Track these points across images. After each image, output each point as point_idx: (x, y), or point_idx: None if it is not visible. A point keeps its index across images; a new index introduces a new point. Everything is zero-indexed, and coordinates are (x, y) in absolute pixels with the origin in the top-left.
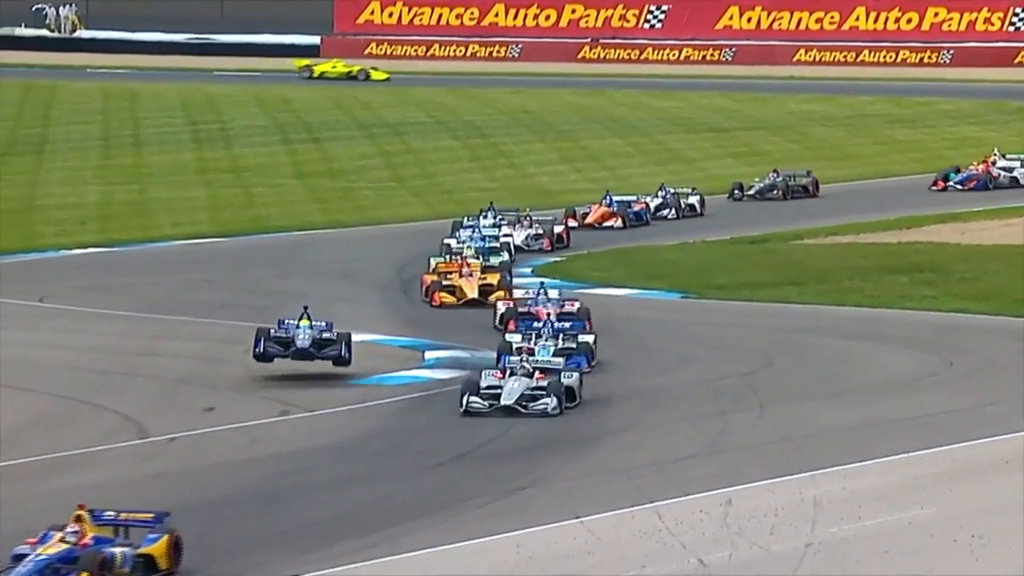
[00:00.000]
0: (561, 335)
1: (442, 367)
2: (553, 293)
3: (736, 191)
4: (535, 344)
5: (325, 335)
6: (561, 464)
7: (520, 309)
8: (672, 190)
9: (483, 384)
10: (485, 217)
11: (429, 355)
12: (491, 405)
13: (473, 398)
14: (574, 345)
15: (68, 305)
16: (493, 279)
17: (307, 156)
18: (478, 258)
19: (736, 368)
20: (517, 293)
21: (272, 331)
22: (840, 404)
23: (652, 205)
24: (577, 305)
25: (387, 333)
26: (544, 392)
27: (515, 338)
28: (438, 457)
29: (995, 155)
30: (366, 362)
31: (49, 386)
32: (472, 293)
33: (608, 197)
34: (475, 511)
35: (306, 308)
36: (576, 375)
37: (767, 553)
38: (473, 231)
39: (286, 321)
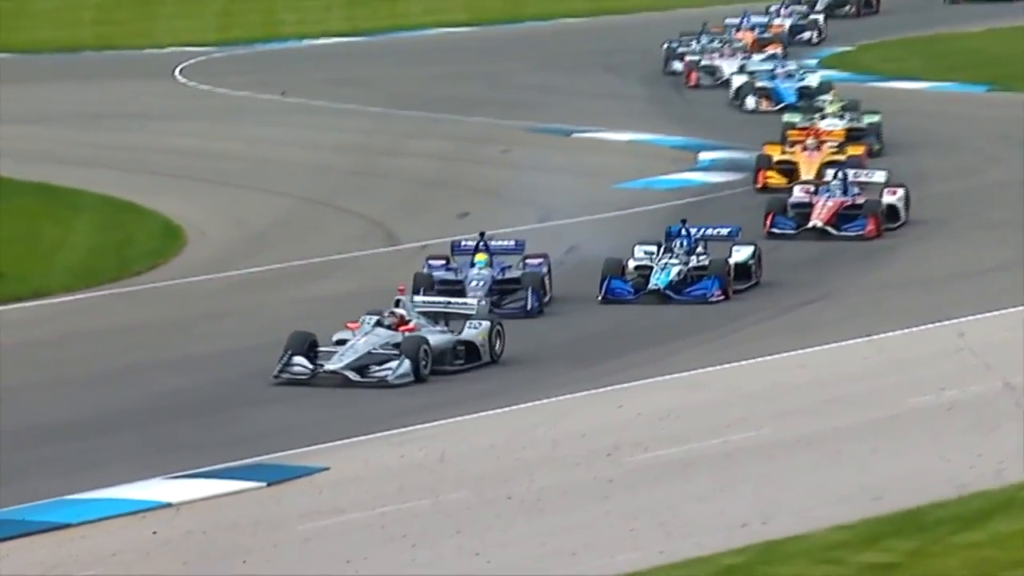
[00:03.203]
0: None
1: (717, 169)
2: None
3: None
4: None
5: (508, 273)
6: (850, 277)
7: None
8: None
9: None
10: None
11: (703, 156)
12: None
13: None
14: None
15: (312, 99)
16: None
17: None
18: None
19: None
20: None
21: (431, 270)
22: None
23: None
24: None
25: (655, 132)
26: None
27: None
28: None
29: None
30: (633, 163)
31: (293, 187)
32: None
33: None
34: (753, 327)
35: (483, 235)
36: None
37: None
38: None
39: (461, 244)
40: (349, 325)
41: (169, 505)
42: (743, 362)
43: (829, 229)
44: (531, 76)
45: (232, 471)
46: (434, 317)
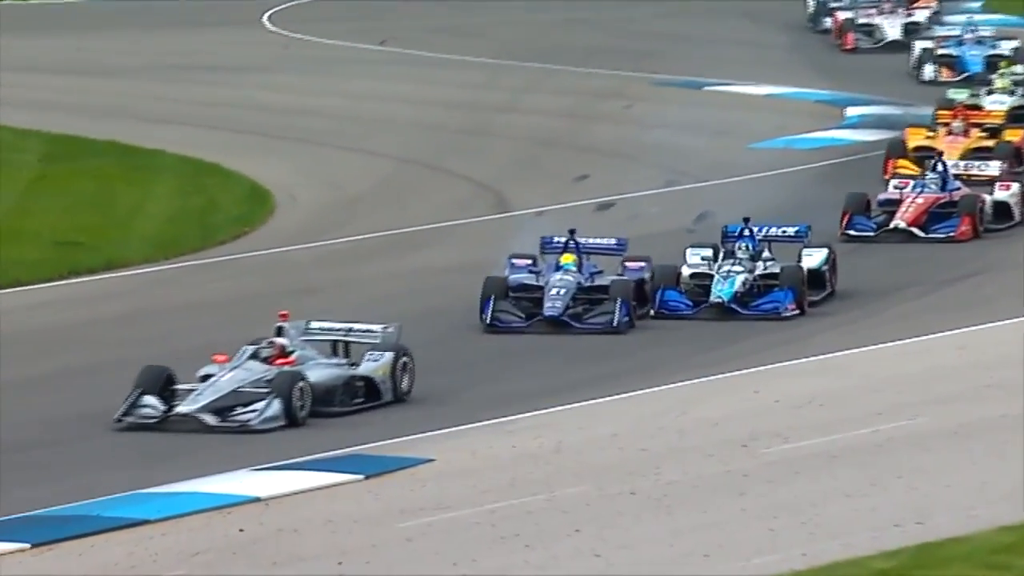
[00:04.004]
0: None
1: (867, 127)
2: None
3: None
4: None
5: (598, 279)
6: (1016, 249)
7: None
8: None
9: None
10: None
11: (850, 112)
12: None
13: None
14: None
15: (414, 49)
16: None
17: None
18: None
19: None
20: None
21: (512, 271)
22: None
23: None
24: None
25: (797, 85)
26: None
27: None
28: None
29: None
30: (771, 120)
31: (393, 147)
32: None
33: None
34: (906, 304)
35: (573, 232)
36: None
37: None
38: None
39: (552, 241)
40: (216, 358)
41: (257, 500)
42: (893, 343)
43: (914, 231)
44: (658, 22)
45: (327, 462)
46: (334, 346)
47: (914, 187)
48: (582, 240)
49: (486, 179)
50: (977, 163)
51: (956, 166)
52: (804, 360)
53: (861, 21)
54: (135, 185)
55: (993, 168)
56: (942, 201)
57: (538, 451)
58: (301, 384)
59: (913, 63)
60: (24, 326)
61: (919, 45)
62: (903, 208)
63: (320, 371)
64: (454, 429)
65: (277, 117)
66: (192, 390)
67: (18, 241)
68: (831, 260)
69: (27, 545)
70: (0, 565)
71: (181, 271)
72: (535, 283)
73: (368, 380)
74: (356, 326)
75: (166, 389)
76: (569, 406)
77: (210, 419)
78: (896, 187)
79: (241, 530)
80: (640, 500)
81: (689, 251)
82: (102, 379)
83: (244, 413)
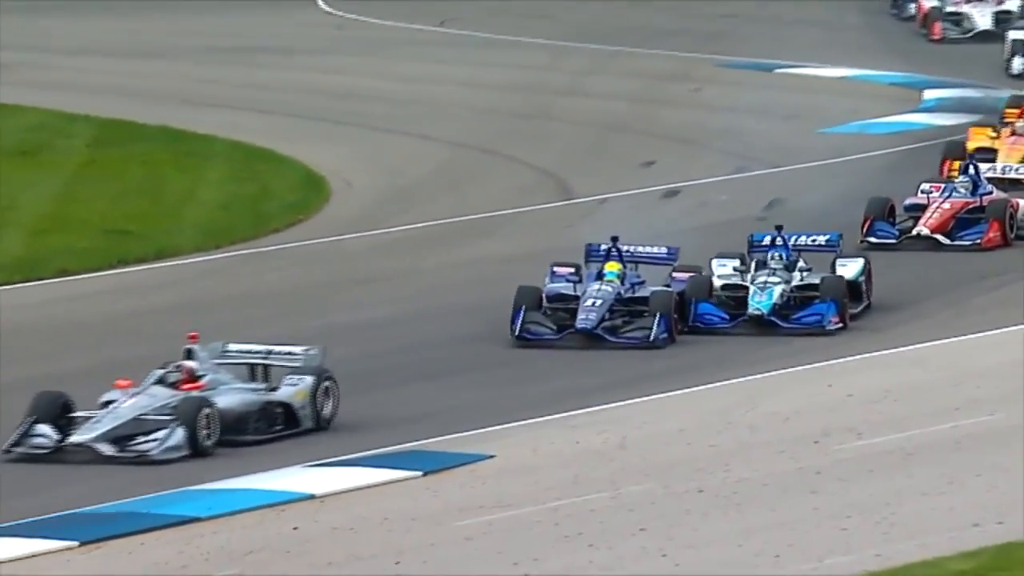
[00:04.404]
0: None
1: (944, 110)
2: None
3: None
4: None
5: (639, 291)
6: None
7: None
8: None
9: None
10: None
11: (927, 95)
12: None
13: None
14: None
15: (474, 31)
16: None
17: None
18: None
19: None
20: None
21: (552, 280)
22: None
23: None
24: None
25: (873, 67)
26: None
27: None
28: None
29: None
30: (844, 104)
31: (452, 132)
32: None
33: None
34: (977, 298)
35: (615, 240)
36: None
37: None
38: None
39: (597, 249)
40: (120, 383)
41: (312, 497)
42: (973, 335)
43: (938, 237)
44: (728, 2)
45: (383, 458)
46: (253, 370)
47: (943, 191)
48: (630, 248)
49: (548, 165)
50: (1017, 166)
51: (1015, 170)
52: (879, 353)
53: (949, 9)
54: (186, 171)
55: None
56: (972, 206)
57: (602, 447)
58: (208, 411)
59: (1006, 55)
60: (71, 317)
61: (1012, 36)
62: (928, 214)
63: (231, 396)
64: (515, 425)
65: (332, 101)
66: (90, 417)
67: (65, 229)
68: (867, 271)
69: (75, 543)
70: (48, 564)
71: (233, 260)
72: (572, 293)
73: (286, 406)
74: (277, 348)
75: (62, 417)
76: (634, 400)
77: (107, 449)
78: (923, 191)
79: (295, 528)
80: (708, 498)
81: (715, 261)
82: (150, 372)
83: (144, 442)
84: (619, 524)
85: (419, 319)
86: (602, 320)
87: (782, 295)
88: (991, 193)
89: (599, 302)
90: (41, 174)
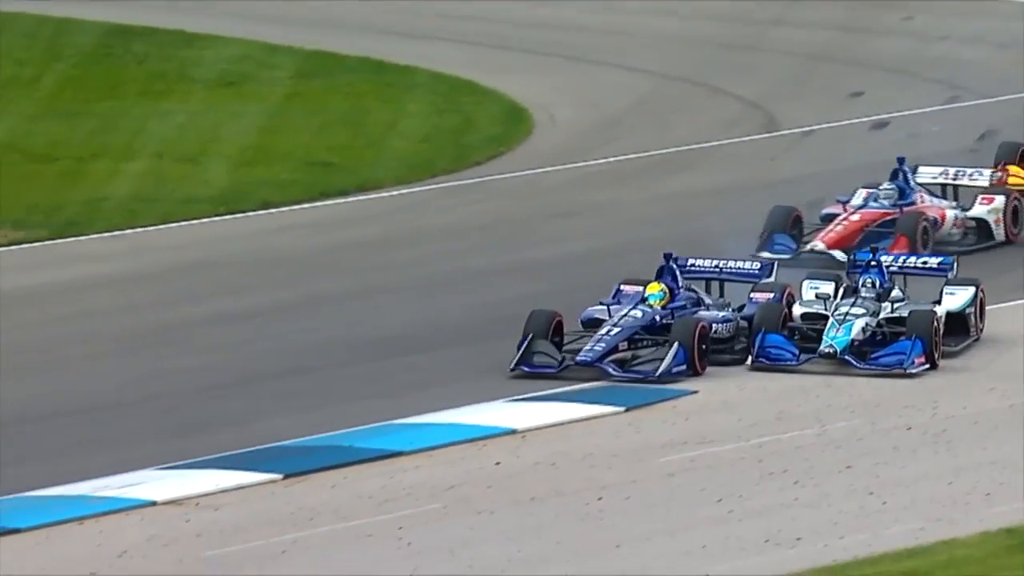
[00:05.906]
0: None
1: None
2: None
3: None
4: None
5: (663, 319)
6: None
7: None
8: None
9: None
10: None
11: None
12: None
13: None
14: None
15: None
16: None
17: None
18: None
19: None
20: None
21: (589, 308)
22: None
23: None
24: None
25: None
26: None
27: None
28: None
29: None
30: None
31: (656, 63)
32: None
33: None
34: None
35: (669, 257)
36: None
37: None
38: None
39: (687, 265)
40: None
41: (514, 432)
42: None
43: (834, 254)
44: None
45: (585, 394)
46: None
47: (868, 200)
48: (718, 263)
49: (753, 96)
50: (970, 171)
51: (967, 175)
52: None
53: None
54: (388, 103)
55: (983, 177)
56: (891, 218)
57: (807, 384)
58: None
59: None
60: (273, 250)
61: None
62: (830, 226)
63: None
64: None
65: (536, 32)
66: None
67: (268, 161)
68: (978, 300)
69: (279, 476)
70: (253, 496)
71: (434, 193)
72: (605, 318)
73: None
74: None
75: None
76: None
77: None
78: (840, 199)
79: (497, 463)
80: (916, 435)
81: (806, 283)
82: (352, 306)
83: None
84: (825, 461)
85: (621, 252)
86: (613, 351)
87: (864, 329)
88: (908, 204)
89: (616, 331)
90: (244, 106)
